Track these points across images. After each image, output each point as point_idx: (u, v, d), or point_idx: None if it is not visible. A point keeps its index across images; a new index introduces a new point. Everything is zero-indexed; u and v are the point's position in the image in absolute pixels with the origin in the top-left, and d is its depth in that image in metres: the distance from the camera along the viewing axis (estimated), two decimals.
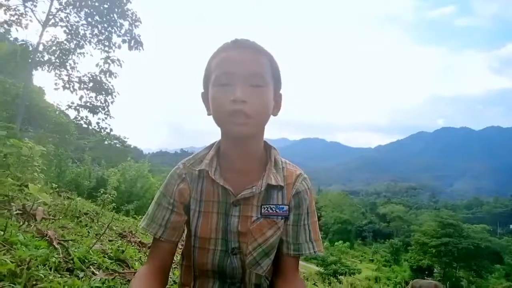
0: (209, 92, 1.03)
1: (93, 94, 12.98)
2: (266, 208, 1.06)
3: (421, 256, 36.06)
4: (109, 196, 3.78)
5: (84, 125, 13.59)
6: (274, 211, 1.07)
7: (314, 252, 1.09)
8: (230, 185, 1.05)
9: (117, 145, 27.38)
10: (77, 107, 12.93)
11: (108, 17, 12.50)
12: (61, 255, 1.64)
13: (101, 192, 4.12)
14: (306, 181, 1.13)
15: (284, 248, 1.10)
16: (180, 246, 1.31)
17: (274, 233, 1.07)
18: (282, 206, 1.08)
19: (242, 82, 0.96)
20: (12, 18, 11.32)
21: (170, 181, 1.11)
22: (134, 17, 12.76)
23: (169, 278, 1.15)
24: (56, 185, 4.02)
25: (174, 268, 2.29)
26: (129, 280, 1.74)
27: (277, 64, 1.06)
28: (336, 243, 43.26)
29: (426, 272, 34.18)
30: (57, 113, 14.92)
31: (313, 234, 1.11)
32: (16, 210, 2.18)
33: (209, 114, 1.06)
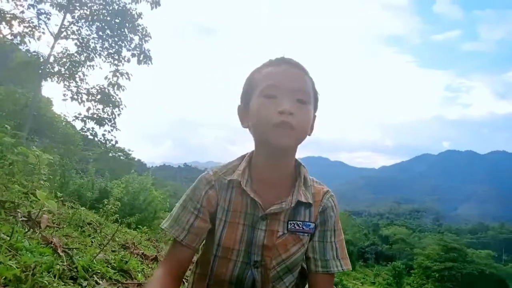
0: (251, 104, 1.04)
1: (101, 106, 13.10)
2: (292, 224, 1.06)
3: (424, 280, 35.51)
4: (113, 207, 3.77)
5: (90, 137, 13.69)
6: (301, 228, 1.07)
7: (343, 269, 1.08)
8: (259, 198, 1.05)
9: (121, 157, 27.39)
10: (84, 118, 13.05)
11: (119, 31, 12.73)
12: (65, 263, 1.63)
13: (105, 202, 4.12)
14: (333, 198, 1.14)
15: (312, 266, 1.09)
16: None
17: (298, 250, 1.07)
18: (308, 223, 1.08)
19: (289, 95, 0.99)
20: (25, 30, 11.58)
21: (198, 185, 1.10)
22: (144, 32, 12.98)
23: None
24: (60, 195, 4.03)
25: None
26: None
27: (316, 87, 1.09)
28: None
29: None
30: (63, 124, 15.06)
31: (340, 251, 1.10)
32: (21, 217, 2.18)
33: (245, 127, 1.09)
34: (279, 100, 0.98)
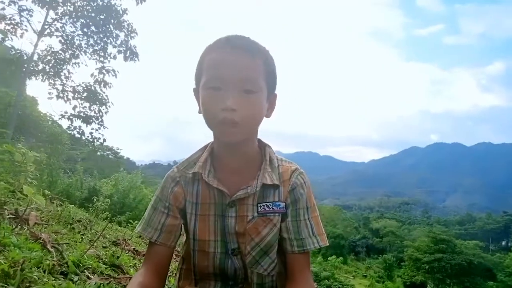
0: (200, 93, 1.00)
1: (87, 104, 12.91)
2: (262, 206, 1.05)
3: (414, 272, 35.97)
4: (103, 204, 3.72)
5: (77, 135, 13.48)
6: (271, 208, 1.05)
7: (319, 246, 1.06)
8: (225, 186, 1.03)
9: (110, 156, 27.16)
10: (71, 117, 12.84)
11: (104, 27, 12.54)
12: (55, 258, 1.59)
13: (94, 200, 4.07)
14: (302, 176, 1.10)
15: (288, 246, 1.06)
16: (179, 250, 1.28)
17: (270, 231, 1.05)
18: (278, 203, 1.06)
19: (233, 88, 0.93)
20: (7, 27, 11.32)
21: (165, 184, 1.10)
22: (130, 28, 12.81)
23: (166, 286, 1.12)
24: (48, 193, 3.95)
25: (169, 276, 2.24)
26: (124, 286, 1.70)
27: (273, 62, 1.02)
28: (329, 258, 42.93)
29: None
30: (49, 123, 14.79)
31: (315, 228, 1.08)
32: (8, 214, 2.13)
33: (200, 112, 1.03)
34: (224, 93, 0.93)
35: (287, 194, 1.07)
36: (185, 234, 1.15)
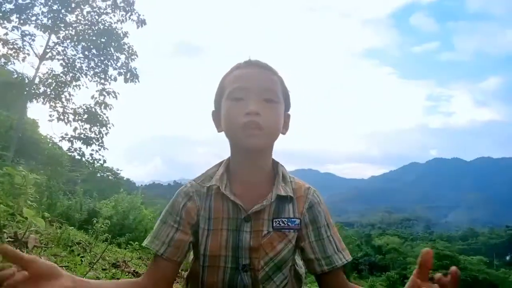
0: (221, 108, 1.06)
1: (88, 126, 12.97)
2: (277, 222, 1.05)
3: None
4: (102, 226, 3.71)
5: (78, 157, 13.47)
6: (286, 225, 1.06)
7: (346, 261, 1.07)
8: (240, 200, 1.04)
9: (110, 177, 27.00)
10: (71, 139, 12.88)
11: (105, 50, 12.73)
12: None
13: (94, 221, 4.05)
14: (317, 193, 1.13)
15: (317, 267, 1.06)
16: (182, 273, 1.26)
17: (285, 246, 1.05)
18: (294, 219, 1.06)
19: (255, 96, 1.00)
20: (10, 51, 11.51)
21: (176, 199, 1.09)
22: (130, 51, 13.02)
23: None
24: (48, 215, 3.94)
25: None
26: None
27: (286, 86, 1.11)
28: None
29: None
30: (50, 145, 14.81)
31: (338, 244, 1.09)
32: (7, 238, 2.13)
33: (219, 131, 1.09)
34: (246, 101, 0.99)
35: (304, 212, 1.08)
36: (192, 253, 1.14)
